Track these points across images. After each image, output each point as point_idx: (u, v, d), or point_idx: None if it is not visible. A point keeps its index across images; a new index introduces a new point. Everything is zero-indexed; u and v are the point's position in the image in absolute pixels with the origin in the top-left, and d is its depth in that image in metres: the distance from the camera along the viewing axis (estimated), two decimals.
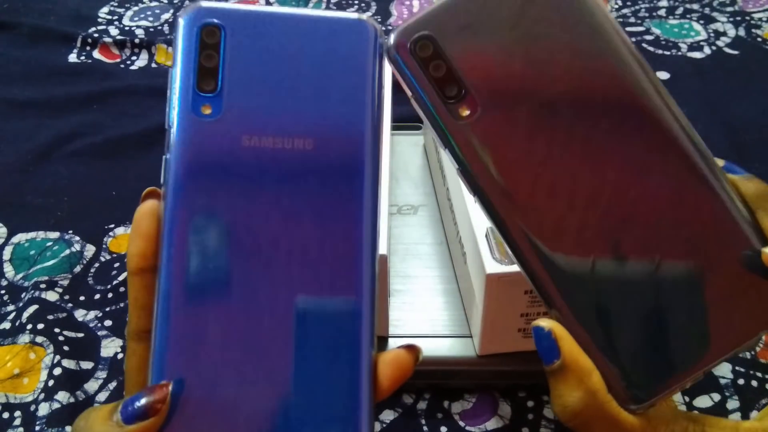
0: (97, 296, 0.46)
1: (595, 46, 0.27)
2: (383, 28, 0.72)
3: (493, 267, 0.35)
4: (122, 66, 0.69)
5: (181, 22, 0.25)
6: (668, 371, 0.27)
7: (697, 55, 0.70)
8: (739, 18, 0.75)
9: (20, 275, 0.48)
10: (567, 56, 0.26)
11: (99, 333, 0.44)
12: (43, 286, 0.46)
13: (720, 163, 0.28)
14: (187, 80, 0.25)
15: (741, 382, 0.41)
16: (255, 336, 0.24)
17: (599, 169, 0.27)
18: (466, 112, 0.26)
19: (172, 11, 0.77)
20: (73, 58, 0.70)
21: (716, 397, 0.40)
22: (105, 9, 0.78)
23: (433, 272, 0.44)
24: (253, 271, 0.24)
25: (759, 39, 0.72)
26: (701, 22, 0.75)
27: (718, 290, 0.27)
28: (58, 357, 0.42)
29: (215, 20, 0.25)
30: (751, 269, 0.27)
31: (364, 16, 0.27)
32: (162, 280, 0.24)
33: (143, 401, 0.23)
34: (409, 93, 0.27)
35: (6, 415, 0.39)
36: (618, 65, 0.27)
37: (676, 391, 0.27)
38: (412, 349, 0.26)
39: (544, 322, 0.27)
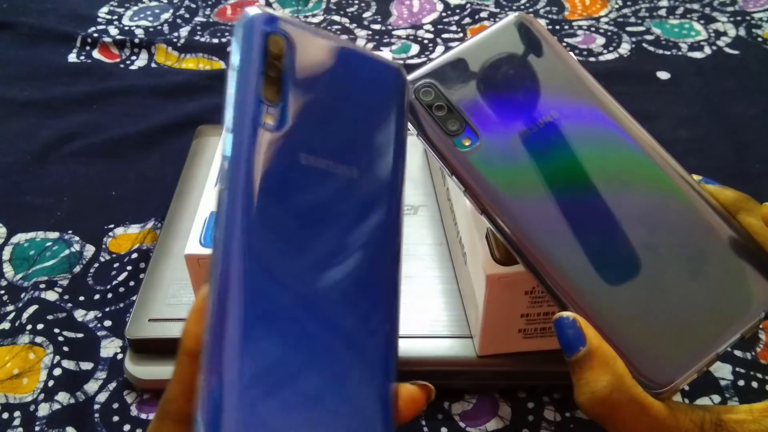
0: (97, 296, 0.46)
1: (570, 83, 0.32)
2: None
3: (493, 267, 0.35)
4: (122, 66, 0.69)
5: (248, 25, 0.25)
6: (685, 355, 0.28)
7: (697, 55, 0.70)
8: (739, 18, 0.75)
9: (20, 275, 0.48)
10: (548, 92, 0.32)
11: (99, 333, 0.44)
12: (42, 286, 0.46)
13: (697, 177, 0.32)
14: (252, 86, 0.24)
15: (741, 383, 0.40)
16: (302, 355, 0.23)
17: (590, 182, 0.31)
18: (467, 143, 0.31)
19: (171, 11, 0.77)
20: (72, 58, 0.70)
21: (716, 398, 0.40)
22: (105, 9, 0.78)
23: (433, 272, 0.44)
24: (303, 294, 0.24)
25: (759, 39, 0.72)
26: (701, 21, 0.75)
27: (718, 278, 0.29)
28: (57, 357, 0.42)
29: (281, 30, 0.25)
30: (742, 255, 0.30)
31: (398, 62, 0.29)
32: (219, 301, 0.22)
33: None
34: (415, 132, 0.32)
35: (5, 415, 0.39)
36: (596, 99, 0.32)
37: (693, 376, 0.28)
38: (425, 389, 0.27)
39: (567, 313, 0.28)
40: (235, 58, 0.25)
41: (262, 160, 0.24)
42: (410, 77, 0.32)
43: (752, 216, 0.30)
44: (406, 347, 0.39)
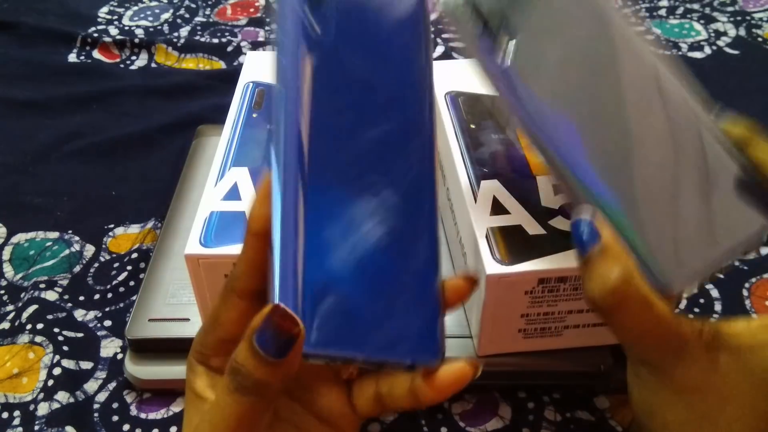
0: (97, 296, 0.46)
1: (599, 13, 0.34)
2: None
3: (493, 267, 0.35)
4: (122, 66, 0.69)
5: None
6: (691, 261, 0.30)
7: (697, 55, 0.70)
8: (739, 18, 0.75)
9: (20, 275, 0.48)
10: (580, 14, 0.34)
11: (99, 333, 0.44)
12: (42, 286, 0.46)
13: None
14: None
15: None
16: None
17: (614, 93, 0.32)
18: (504, 45, 0.33)
19: (171, 11, 0.77)
20: (72, 58, 0.70)
21: None
22: (105, 9, 0.78)
23: None
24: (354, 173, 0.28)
25: (759, 39, 0.72)
26: (701, 21, 0.75)
27: (724, 199, 0.31)
28: (57, 357, 0.42)
29: None
30: (747, 181, 0.32)
31: None
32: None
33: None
34: (459, 42, 0.34)
35: (5, 414, 0.39)
36: (622, 30, 0.34)
37: (697, 281, 0.30)
38: (469, 281, 0.30)
39: (586, 210, 0.29)
40: None
41: (311, 64, 0.27)
42: None
43: (759, 150, 0.32)
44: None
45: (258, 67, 0.50)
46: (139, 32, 0.73)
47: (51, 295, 0.46)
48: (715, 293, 0.46)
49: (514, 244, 0.36)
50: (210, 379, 0.29)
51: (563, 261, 0.35)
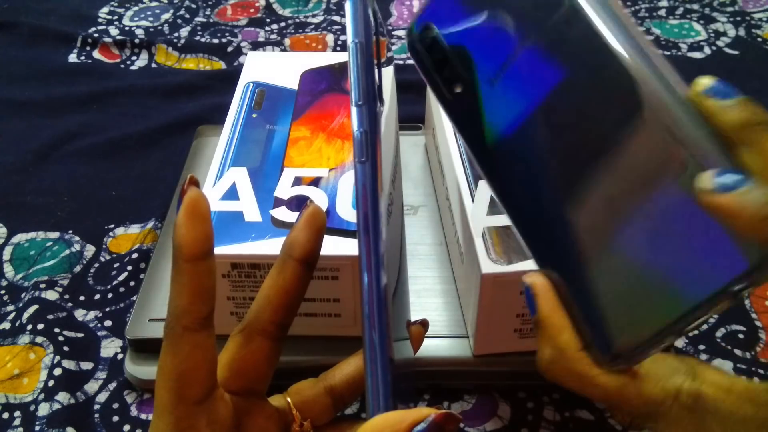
0: (97, 296, 0.46)
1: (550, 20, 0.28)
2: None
3: (488, 267, 0.35)
4: (122, 66, 0.69)
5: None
6: (640, 327, 0.25)
7: (697, 55, 0.70)
8: (739, 18, 0.75)
9: (20, 275, 0.48)
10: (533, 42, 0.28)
11: (99, 333, 0.44)
12: (43, 286, 0.47)
13: (708, 81, 0.25)
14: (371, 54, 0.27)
15: None
16: None
17: (568, 131, 0.27)
18: (458, 90, 0.29)
19: (172, 11, 0.77)
20: (73, 58, 0.70)
21: None
22: (105, 9, 0.78)
23: (432, 272, 0.44)
24: None
25: (759, 39, 0.72)
26: (701, 22, 0.75)
27: (682, 251, 0.24)
28: (58, 357, 0.42)
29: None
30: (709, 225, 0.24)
31: None
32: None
33: None
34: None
35: (6, 415, 0.40)
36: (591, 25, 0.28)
37: (650, 351, 0.26)
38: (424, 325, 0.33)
39: (529, 279, 0.28)
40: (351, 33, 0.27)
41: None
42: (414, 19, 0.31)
43: (754, 153, 0.22)
44: (404, 347, 0.39)
45: (258, 67, 0.50)
46: (140, 32, 0.74)
47: (51, 295, 0.46)
48: None
49: (510, 243, 0.36)
50: None
51: None
